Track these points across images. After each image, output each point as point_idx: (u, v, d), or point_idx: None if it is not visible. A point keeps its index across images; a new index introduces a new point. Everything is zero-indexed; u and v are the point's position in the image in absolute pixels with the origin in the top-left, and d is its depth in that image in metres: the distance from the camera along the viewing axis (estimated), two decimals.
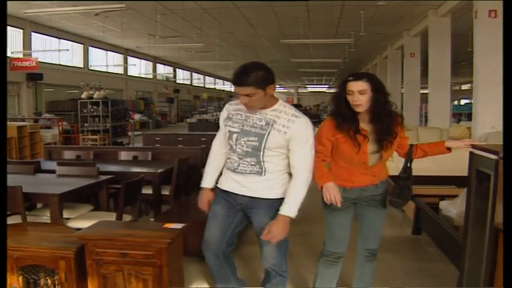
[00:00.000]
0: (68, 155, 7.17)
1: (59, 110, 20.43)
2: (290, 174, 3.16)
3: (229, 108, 3.27)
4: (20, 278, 3.37)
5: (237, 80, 2.97)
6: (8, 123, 13.50)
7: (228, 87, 52.77)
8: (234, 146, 3.14)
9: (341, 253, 3.44)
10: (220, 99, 47.33)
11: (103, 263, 3.20)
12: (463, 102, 38.37)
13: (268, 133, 3.04)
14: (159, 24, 16.24)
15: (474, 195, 3.10)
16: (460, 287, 3.31)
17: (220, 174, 3.41)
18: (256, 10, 14.69)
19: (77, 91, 22.76)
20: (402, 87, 20.86)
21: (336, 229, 3.41)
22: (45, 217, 4.80)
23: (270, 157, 3.09)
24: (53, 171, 5.76)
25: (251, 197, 3.16)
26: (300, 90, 60.40)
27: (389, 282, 4.28)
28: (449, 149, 3.33)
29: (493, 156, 2.71)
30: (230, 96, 51.80)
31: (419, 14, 15.39)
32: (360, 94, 3.09)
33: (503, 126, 2.72)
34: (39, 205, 5.31)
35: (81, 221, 4.45)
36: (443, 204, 5.14)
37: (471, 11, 10.79)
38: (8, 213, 4.77)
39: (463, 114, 26.19)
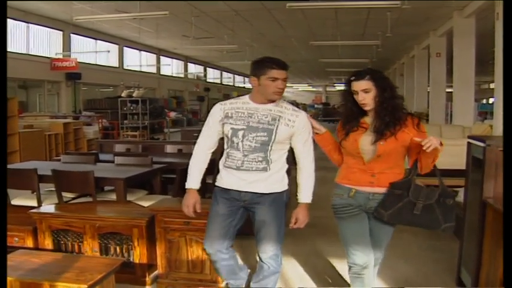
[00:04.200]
0: (119, 148, 7.93)
1: (96, 108, 21.16)
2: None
3: (225, 108, 3.30)
4: (100, 243, 4.15)
5: (282, 63, 3.16)
6: (54, 120, 14.49)
7: None
8: (240, 143, 3.20)
9: (363, 264, 3.21)
10: None
11: (169, 230, 3.98)
12: (491, 100, 38.13)
13: (277, 127, 3.16)
14: (193, 25, 16.90)
15: (471, 177, 3.80)
16: (461, 253, 4.00)
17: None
18: (286, 12, 15.07)
19: (110, 89, 23.74)
20: (429, 86, 21.07)
21: (350, 238, 3.23)
22: (106, 200, 5.56)
23: (276, 152, 3.22)
24: (109, 161, 6.54)
25: (256, 193, 3.25)
26: (328, 89, 60.62)
27: (402, 254, 4.99)
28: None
29: (482, 144, 3.40)
30: None
31: (444, 15, 15.63)
32: (364, 93, 3.03)
33: (503, 123, 2.84)
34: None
35: (141, 202, 5.14)
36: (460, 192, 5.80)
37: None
38: (76, 194, 5.60)
39: (488, 113, 26.31)
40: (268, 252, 3.32)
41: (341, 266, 4.62)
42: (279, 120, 3.18)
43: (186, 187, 3.41)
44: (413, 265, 4.76)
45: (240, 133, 3.19)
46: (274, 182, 3.27)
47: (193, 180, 3.40)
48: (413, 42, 22.15)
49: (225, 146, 3.33)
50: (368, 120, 3.12)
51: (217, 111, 3.31)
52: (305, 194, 3.31)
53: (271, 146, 3.18)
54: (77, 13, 14.54)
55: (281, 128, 3.17)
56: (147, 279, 4.18)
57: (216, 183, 3.41)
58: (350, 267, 3.28)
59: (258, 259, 3.44)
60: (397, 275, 4.48)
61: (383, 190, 3.07)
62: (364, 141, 3.07)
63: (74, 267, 2.88)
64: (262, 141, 3.17)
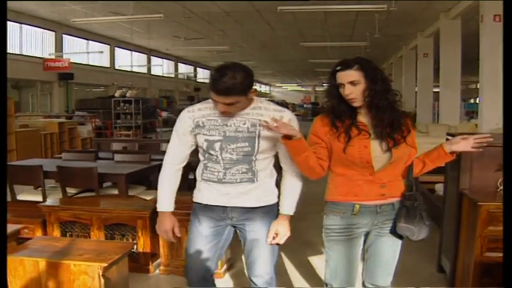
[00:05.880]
0: (116, 146, 8.18)
1: (87, 107, 21.28)
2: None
3: (194, 116, 2.78)
4: (106, 234, 4.44)
5: (220, 89, 2.51)
6: (48, 119, 14.71)
7: None
8: (219, 156, 2.71)
9: None
10: None
11: None
12: (478, 100, 38.34)
13: (258, 135, 2.67)
14: (184, 26, 17.11)
15: (449, 171, 4.14)
16: (441, 241, 4.34)
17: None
18: (276, 13, 15.20)
19: (101, 89, 23.94)
20: (416, 86, 21.37)
21: (337, 266, 2.70)
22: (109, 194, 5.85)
23: (262, 161, 2.75)
24: (108, 159, 6.80)
25: (244, 207, 2.78)
26: (317, 89, 60.93)
27: None
28: (452, 153, 2.58)
29: None
30: None
31: (431, 17, 15.98)
32: (351, 86, 2.49)
33: (503, 125, 2.72)
34: None
35: (142, 196, 5.42)
36: (437, 186, 6.15)
37: None
38: (79, 190, 5.86)
39: (475, 112, 26.67)
40: (264, 276, 2.88)
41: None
42: (259, 125, 2.64)
43: (158, 210, 2.92)
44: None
45: (217, 145, 2.69)
46: (264, 193, 2.81)
47: (166, 202, 2.90)
48: (401, 43, 22.49)
49: (201, 157, 2.85)
50: (364, 120, 2.57)
51: (186, 120, 2.79)
52: (289, 205, 2.82)
53: (256, 157, 2.71)
54: (69, 14, 14.76)
55: (263, 134, 2.66)
56: (150, 267, 4.48)
57: (194, 199, 2.91)
58: (326, 284, 2.77)
59: (249, 280, 2.96)
60: None
61: (392, 201, 2.60)
62: (375, 147, 2.52)
63: (92, 249, 3.18)
64: (245, 152, 2.69)
